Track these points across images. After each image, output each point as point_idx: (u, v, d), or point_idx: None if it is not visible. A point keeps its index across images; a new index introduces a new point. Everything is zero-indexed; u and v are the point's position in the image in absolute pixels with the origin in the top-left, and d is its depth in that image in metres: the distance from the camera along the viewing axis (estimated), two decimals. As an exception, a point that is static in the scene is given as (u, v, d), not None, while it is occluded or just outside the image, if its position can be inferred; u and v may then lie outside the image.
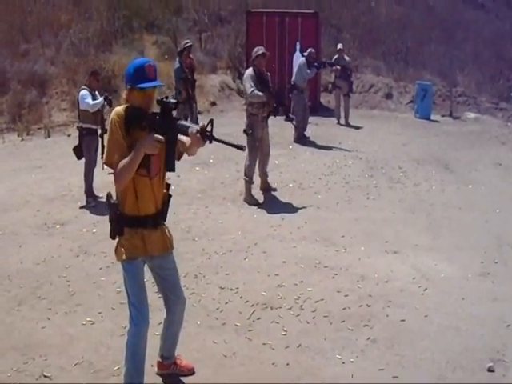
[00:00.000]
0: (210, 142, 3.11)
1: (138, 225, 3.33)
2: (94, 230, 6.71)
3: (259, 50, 7.74)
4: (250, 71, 7.75)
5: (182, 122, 3.19)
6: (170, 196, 3.47)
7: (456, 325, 4.63)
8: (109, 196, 3.34)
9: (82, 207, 7.55)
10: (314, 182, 8.81)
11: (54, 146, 11.35)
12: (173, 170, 3.26)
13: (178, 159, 3.37)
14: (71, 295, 5.11)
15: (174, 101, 3.20)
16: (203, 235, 6.59)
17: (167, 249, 3.50)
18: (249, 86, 7.59)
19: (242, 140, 6.93)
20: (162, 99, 3.16)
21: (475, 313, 4.86)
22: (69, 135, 11.94)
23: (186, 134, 3.14)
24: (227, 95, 15.70)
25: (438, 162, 10.25)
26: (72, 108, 12.91)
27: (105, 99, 7.48)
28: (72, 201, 7.83)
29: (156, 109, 3.27)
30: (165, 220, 3.49)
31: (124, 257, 3.33)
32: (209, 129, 3.08)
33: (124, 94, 3.28)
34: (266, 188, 8.14)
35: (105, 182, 8.27)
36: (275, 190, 8.26)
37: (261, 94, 7.52)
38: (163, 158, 3.28)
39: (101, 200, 7.67)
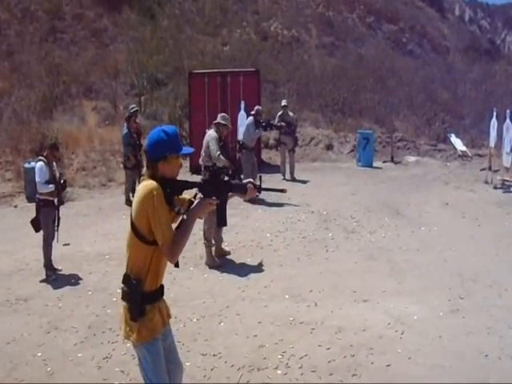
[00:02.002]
0: (260, 193, 3.61)
1: (156, 299, 3.29)
2: (60, 305, 6.51)
3: (222, 118, 8.17)
4: (214, 134, 7.99)
5: (236, 183, 3.63)
6: None
7: (439, 362, 4.84)
8: (128, 277, 3.24)
9: (42, 281, 7.32)
10: (271, 239, 8.86)
11: (1, 219, 11.00)
12: (225, 224, 3.73)
13: None
14: (50, 375, 4.92)
15: (225, 166, 3.59)
16: (172, 302, 6.38)
17: (170, 315, 3.48)
18: (215, 148, 7.83)
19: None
20: (213, 166, 3.48)
21: (454, 348, 5.10)
22: (15, 206, 11.62)
23: (243, 191, 3.48)
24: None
25: (389, 207, 10.59)
26: (17, 178, 12.63)
27: (57, 185, 7.38)
28: (31, 275, 7.58)
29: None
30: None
31: (150, 338, 3.21)
32: (258, 183, 3.55)
33: (158, 164, 3.18)
34: (222, 254, 8.11)
35: (64, 254, 8.16)
36: (229, 253, 8.25)
37: (225, 159, 7.78)
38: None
39: (60, 273, 7.52)
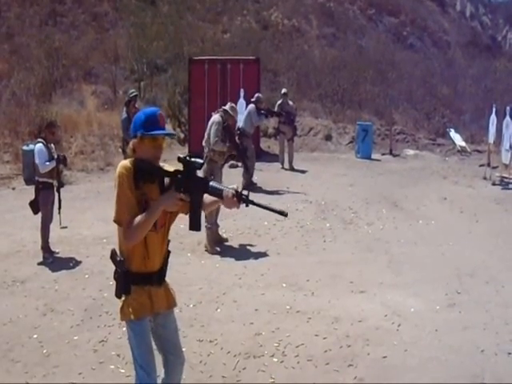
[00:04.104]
0: (247, 206, 3.05)
1: (145, 282, 3.25)
2: (57, 287, 6.51)
3: (231, 108, 8.21)
4: (218, 118, 8.00)
5: (214, 185, 3.10)
6: (169, 252, 3.41)
7: (436, 355, 4.85)
8: (114, 253, 3.24)
9: (39, 263, 7.30)
10: (269, 228, 8.85)
11: (-1, 200, 10.98)
12: (198, 229, 3.20)
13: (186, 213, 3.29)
14: (46, 357, 4.92)
15: (200, 161, 3.11)
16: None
17: (171, 306, 3.43)
18: (214, 133, 7.83)
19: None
20: (186, 157, 3.09)
21: (450, 342, 5.11)
22: (13, 188, 11.58)
23: (219, 196, 3.07)
24: (168, 144, 15.58)
25: (387, 200, 10.60)
26: (15, 160, 12.60)
27: (57, 161, 7.38)
28: (28, 257, 7.57)
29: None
30: (165, 276, 3.42)
31: (132, 317, 3.22)
32: (245, 192, 3.05)
33: (132, 143, 3.20)
34: (218, 240, 8.11)
35: (61, 236, 8.15)
36: (227, 240, 8.25)
37: (224, 144, 7.85)
38: (169, 213, 3.25)
39: (57, 256, 7.52)
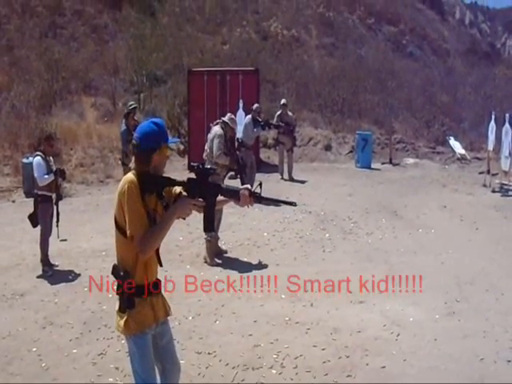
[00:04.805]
0: (260, 202, 3.32)
1: (147, 293, 3.28)
2: (56, 300, 6.51)
3: (230, 120, 8.20)
4: (220, 131, 7.98)
5: (228, 187, 3.35)
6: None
7: (434, 365, 4.85)
8: (116, 268, 3.26)
9: (39, 276, 7.30)
10: (268, 239, 8.85)
11: (-1, 213, 10.99)
12: (212, 229, 3.53)
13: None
14: (45, 370, 4.92)
15: (212, 168, 3.36)
16: (168, 300, 6.47)
17: (168, 313, 3.46)
18: (218, 146, 7.82)
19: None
20: (198, 166, 3.27)
21: (449, 351, 5.11)
22: (13, 201, 11.60)
23: (235, 197, 3.27)
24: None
25: (386, 209, 10.59)
26: (15, 173, 12.62)
27: (55, 174, 7.40)
28: (27, 270, 7.57)
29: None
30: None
31: (137, 330, 3.22)
32: (258, 190, 3.30)
33: (154, 156, 3.20)
34: (218, 252, 8.09)
35: (60, 249, 8.15)
36: (226, 252, 8.24)
37: (226, 157, 7.85)
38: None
39: (57, 269, 7.52)
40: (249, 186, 3.35)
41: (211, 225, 3.39)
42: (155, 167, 3.23)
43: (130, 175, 3.21)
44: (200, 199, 3.22)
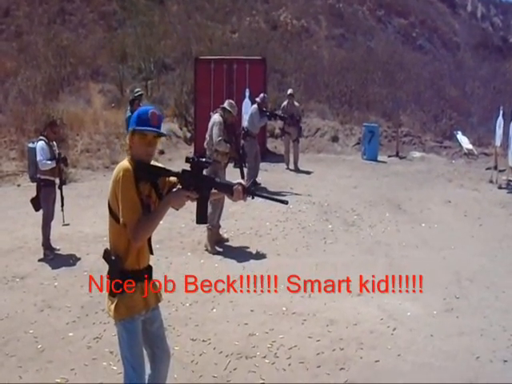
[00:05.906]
0: (253, 198, 3.36)
1: (138, 279, 3.29)
2: (56, 284, 6.56)
3: (229, 105, 8.15)
4: (219, 118, 7.95)
5: (222, 181, 3.43)
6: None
7: (429, 361, 4.80)
8: (107, 252, 3.28)
9: (40, 260, 7.35)
10: (270, 228, 8.84)
11: (4, 197, 11.02)
12: (206, 221, 3.46)
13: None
14: (41, 352, 4.96)
15: (207, 160, 3.33)
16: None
17: (159, 300, 3.48)
18: (217, 133, 7.78)
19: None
20: (194, 158, 3.25)
21: (445, 348, 5.05)
22: (18, 185, 11.66)
23: (228, 191, 3.30)
24: (174, 143, 15.57)
25: (390, 202, 10.54)
26: (21, 157, 12.65)
27: (57, 161, 7.41)
28: (29, 253, 7.62)
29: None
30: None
31: (127, 315, 3.24)
32: (251, 185, 3.38)
33: (127, 138, 3.27)
34: (219, 240, 8.10)
35: (62, 234, 8.18)
36: (227, 240, 8.24)
37: (227, 144, 7.80)
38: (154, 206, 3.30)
39: (58, 253, 7.57)
40: (243, 181, 3.37)
41: (204, 217, 3.39)
42: (137, 154, 3.21)
43: (125, 162, 3.20)
44: (194, 191, 3.22)
